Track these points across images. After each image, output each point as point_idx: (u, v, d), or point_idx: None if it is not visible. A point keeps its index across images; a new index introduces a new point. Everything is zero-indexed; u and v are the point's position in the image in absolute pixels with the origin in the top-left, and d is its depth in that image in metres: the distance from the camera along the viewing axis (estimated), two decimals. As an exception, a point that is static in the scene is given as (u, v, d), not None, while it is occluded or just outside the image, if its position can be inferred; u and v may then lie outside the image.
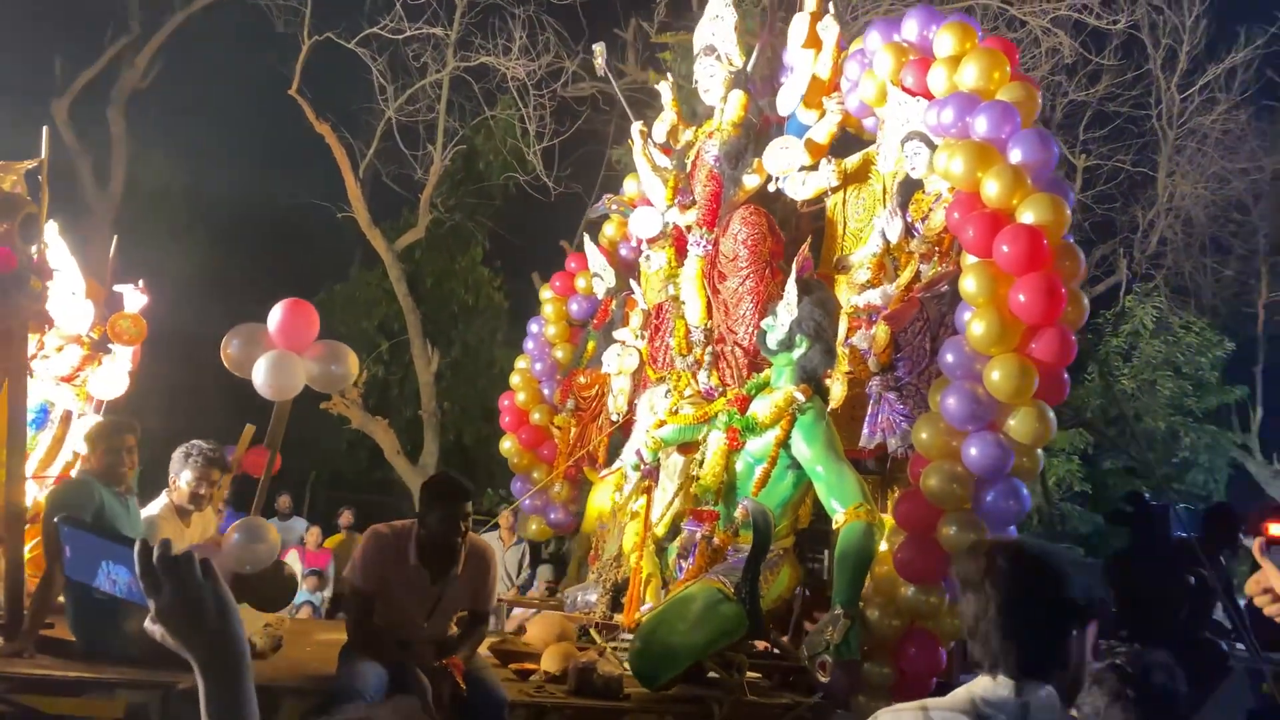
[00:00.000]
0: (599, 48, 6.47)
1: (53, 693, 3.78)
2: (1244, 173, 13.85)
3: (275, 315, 3.83)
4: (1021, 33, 12.25)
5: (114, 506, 4.29)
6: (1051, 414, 4.14)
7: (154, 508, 4.62)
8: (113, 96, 15.08)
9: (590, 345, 6.79)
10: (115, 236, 5.53)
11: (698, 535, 5.19)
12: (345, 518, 10.10)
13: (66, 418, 5.10)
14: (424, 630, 3.95)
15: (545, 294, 7.28)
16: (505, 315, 18.50)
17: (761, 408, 5.05)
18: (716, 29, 5.93)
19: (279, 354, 3.79)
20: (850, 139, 5.61)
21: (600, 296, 6.89)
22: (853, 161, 5.48)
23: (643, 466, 5.62)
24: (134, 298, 5.35)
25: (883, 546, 4.61)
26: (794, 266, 4.97)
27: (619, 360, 6.50)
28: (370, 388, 14.75)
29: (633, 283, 6.53)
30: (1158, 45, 13.78)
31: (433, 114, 14.71)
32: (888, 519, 4.73)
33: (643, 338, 6.45)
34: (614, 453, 6.54)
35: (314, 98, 13.86)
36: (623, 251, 6.96)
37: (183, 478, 4.60)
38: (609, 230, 7.10)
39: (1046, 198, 4.14)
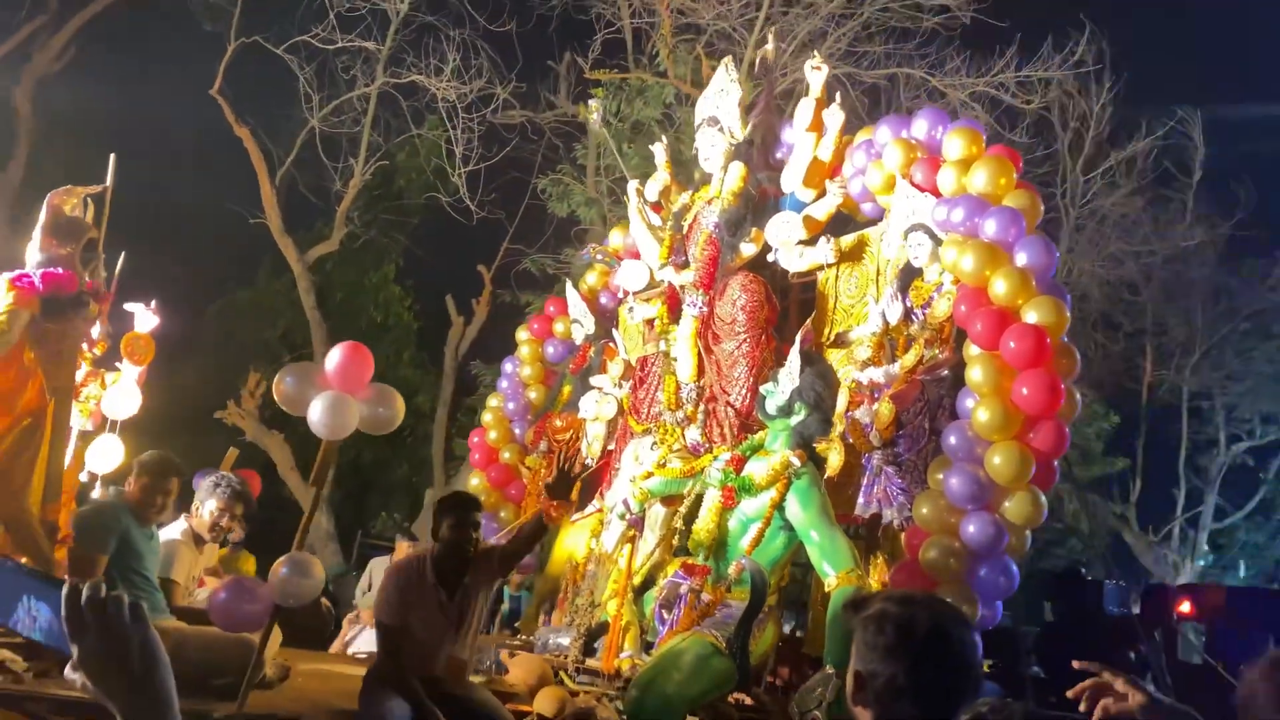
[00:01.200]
0: (595, 102, 6.70)
1: (90, 715, 3.80)
2: (1137, 255, 14.83)
3: (334, 357, 4.00)
4: (941, 104, 12.85)
5: (138, 536, 4.37)
6: (1044, 499, 4.54)
7: (173, 531, 4.68)
8: (21, 77, 14.58)
9: (566, 389, 7.02)
10: (124, 252, 5.52)
11: (684, 588, 5.43)
12: (235, 534, 9.92)
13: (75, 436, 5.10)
14: (453, 645, 4.14)
15: (522, 335, 7.50)
16: (414, 335, 18.42)
17: (757, 469, 5.33)
18: (721, 102, 6.26)
19: (336, 396, 3.95)
20: (842, 217, 5.99)
21: (579, 342, 7.12)
22: (848, 240, 5.85)
23: (629, 516, 5.85)
24: (145, 317, 5.38)
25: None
26: (798, 338, 5.29)
27: (597, 407, 6.74)
28: (268, 400, 14.53)
29: (614, 332, 6.78)
30: (1066, 128, 14.56)
31: (357, 127, 14.68)
32: (873, 583, 5.05)
33: (621, 386, 6.68)
34: (584, 497, 6.74)
35: (237, 101, 13.74)
36: (602, 300, 7.23)
37: (206, 506, 4.70)
38: (590, 278, 7.33)
39: (1050, 300, 4.56)
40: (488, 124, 13.81)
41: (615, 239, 7.28)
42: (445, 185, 14.31)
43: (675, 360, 6.10)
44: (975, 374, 4.62)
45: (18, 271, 4.29)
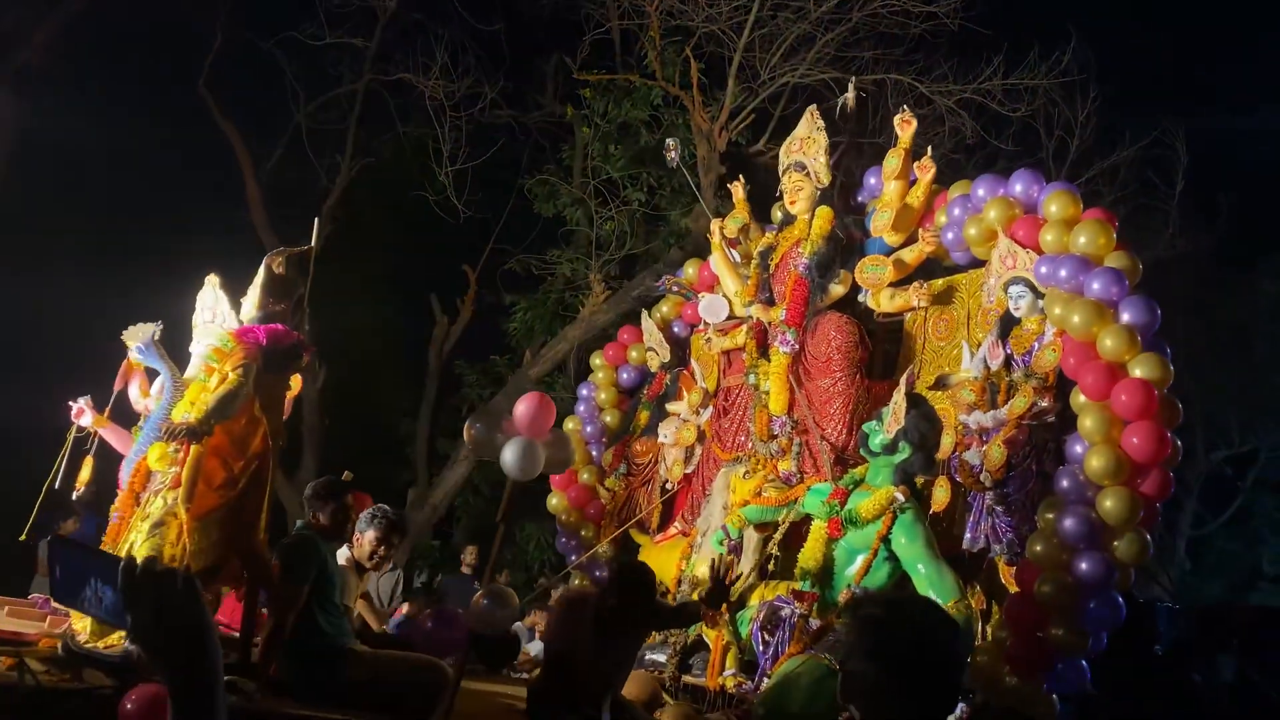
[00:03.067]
0: (673, 141, 7.08)
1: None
2: (1121, 264, 15.31)
3: (521, 406, 4.37)
4: (927, 110, 13.20)
5: (331, 565, 4.68)
6: (1149, 539, 5.01)
7: (340, 557, 4.98)
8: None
9: (644, 415, 7.38)
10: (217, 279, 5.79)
11: (785, 611, 5.82)
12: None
13: None
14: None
15: (596, 361, 7.87)
16: (401, 335, 18.46)
17: (862, 503, 5.74)
18: (807, 149, 6.66)
19: (526, 442, 4.33)
20: (928, 261, 6.41)
21: (654, 370, 7.47)
22: (938, 284, 6.27)
23: (729, 541, 6.23)
24: None
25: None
26: (902, 380, 5.72)
27: (676, 433, 7.09)
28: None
29: (693, 361, 7.13)
30: (1051, 136, 14.93)
31: (343, 124, 14.79)
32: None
33: (700, 414, 7.05)
34: (664, 519, 7.13)
35: (223, 98, 13.78)
36: (675, 329, 7.59)
37: (366, 536, 5.03)
38: (664, 308, 7.69)
39: (1156, 357, 5.05)
40: (475, 123, 13.95)
41: (689, 271, 7.64)
42: (432, 184, 14.42)
43: (766, 394, 6.46)
44: (1088, 423, 5.07)
45: (242, 327, 4.58)
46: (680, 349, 7.65)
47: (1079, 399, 5.27)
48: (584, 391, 7.96)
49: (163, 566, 1.35)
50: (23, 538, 5.49)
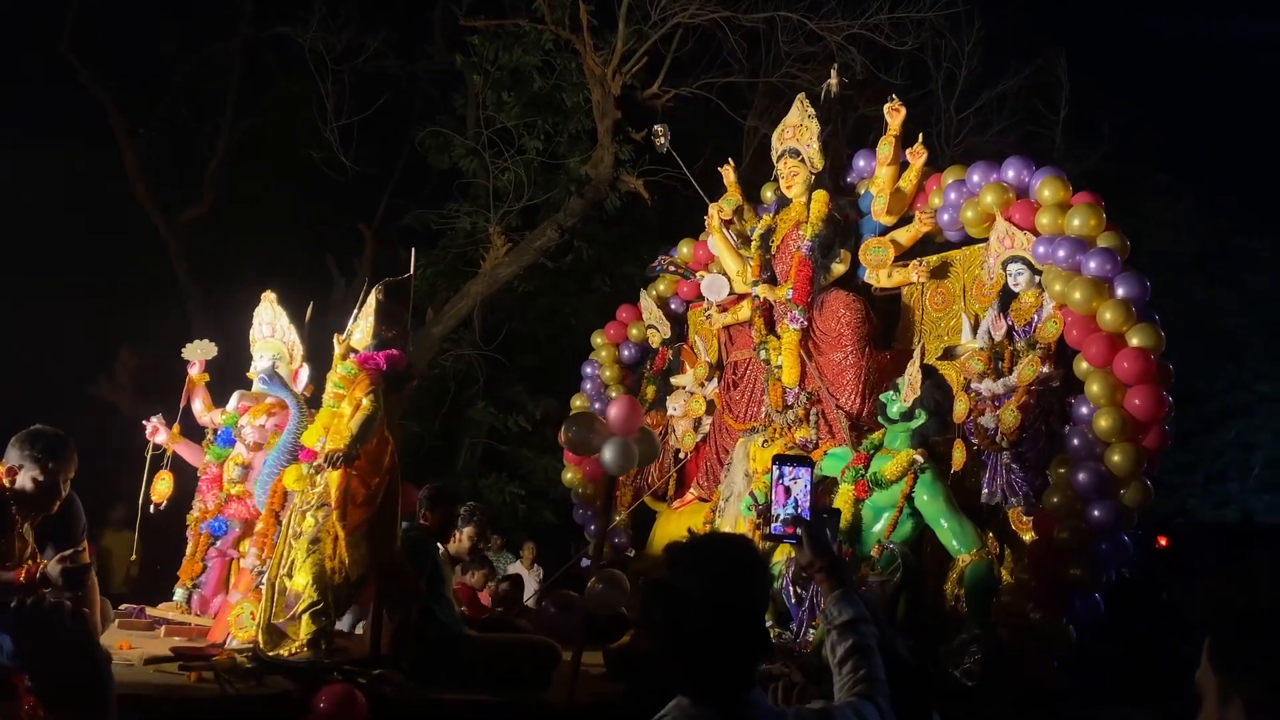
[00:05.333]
0: (661, 127, 7.51)
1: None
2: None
3: (614, 410, 4.91)
4: (817, 46, 13.60)
5: (440, 561, 5.20)
6: (1151, 486, 5.81)
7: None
8: None
9: (649, 389, 7.90)
10: (311, 303, 6.10)
11: (817, 567, 6.47)
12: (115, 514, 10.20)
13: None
14: None
15: (598, 340, 8.35)
16: (299, 297, 18.11)
17: (884, 466, 6.40)
18: (800, 135, 7.23)
19: (622, 441, 4.87)
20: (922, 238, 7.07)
21: (655, 346, 7.96)
22: (933, 260, 6.93)
23: (756, 506, 6.85)
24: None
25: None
26: (916, 354, 6.40)
27: (685, 405, 7.64)
28: (140, 373, 14.23)
29: (696, 337, 7.67)
30: (939, 69, 15.48)
31: (223, 83, 14.50)
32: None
33: (704, 386, 7.61)
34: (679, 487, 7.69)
35: (89, 61, 13.39)
36: (672, 306, 8.08)
37: (465, 532, 5.57)
38: (660, 286, 8.17)
39: (1150, 327, 5.86)
40: (359, 76, 13.84)
41: (683, 250, 8.12)
42: (319, 142, 14.24)
43: (778, 368, 7.04)
44: (1094, 388, 5.86)
45: (362, 354, 4.93)
46: (678, 325, 8.14)
47: (1082, 366, 6.02)
48: (588, 370, 8.47)
49: (50, 607, 1.47)
50: (133, 557, 5.75)
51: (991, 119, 15.49)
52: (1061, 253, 6.17)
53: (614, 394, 8.28)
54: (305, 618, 4.73)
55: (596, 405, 8.27)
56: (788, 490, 2.44)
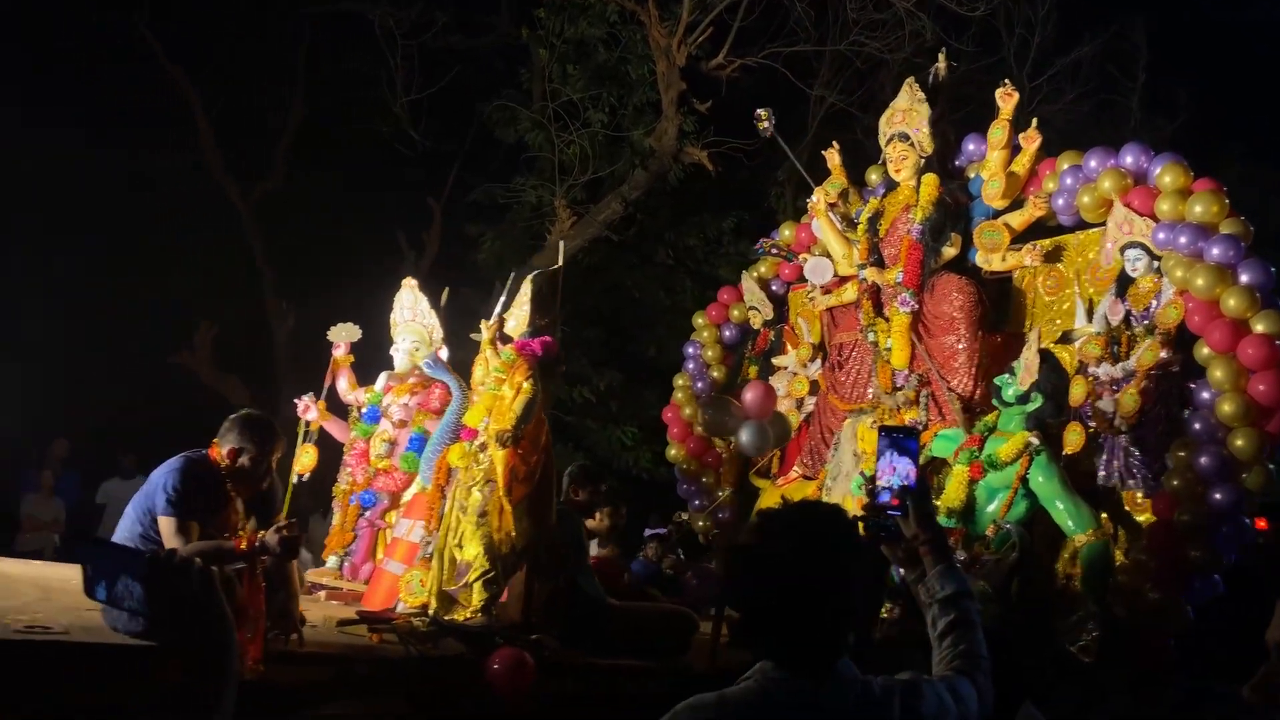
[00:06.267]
0: (764, 111, 7.65)
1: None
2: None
3: (749, 394, 5.15)
4: (887, 13, 13.58)
5: (584, 536, 5.51)
6: (1273, 470, 5.95)
7: None
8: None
9: (752, 369, 8.10)
10: (447, 288, 6.33)
11: (930, 546, 6.65)
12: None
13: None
14: None
15: (699, 321, 8.55)
16: (372, 274, 18.38)
17: (1000, 447, 6.55)
18: (909, 119, 7.38)
19: (757, 424, 5.10)
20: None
21: (756, 327, 8.15)
22: (1045, 243, 7.06)
23: (867, 485, 7.00)
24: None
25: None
26: (1033, 339, 6.55)
27: (788, 385, 7.83)
28: (218, 344, 14.61)
29: (799, 319, 7.83)
30: (1012, 35, 15.32)
31: (290, 60, 14.68)
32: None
33: (807, 367, 7.78)
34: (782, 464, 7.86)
35: (165, 38, 13.61)
36: (773, 287, 8.24)
37: (604, 510, 5.85)
38: (761, 268, 8.36)
39: (1274, 314, 6.05)
40: (426, 51, 14.00)
41: (785, 233, 8.30)
42: (387, 118, 14.44)
43: (887, 350, 7.20)
44: (1217, 374, 6.03)
45: (519, 340, 5.17)
46: (779, 306, 8.32)
47: (1203, 351, 6.19)
48: (690, 350, 8.69)
49: (180, 561, 1.52)
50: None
51: (1065, 87, 15.38)
52: (1183, 239, 6.30)
53: (715, 374, 8.48)
54: (477, 585, 5.09)
55: (698, 385, 8.45)
56: (894, 462, 2.46)
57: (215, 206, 14.52)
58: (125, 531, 4.36)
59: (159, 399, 14.05)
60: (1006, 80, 7.49)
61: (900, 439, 2.46)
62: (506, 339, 5.53)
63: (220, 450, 4.44)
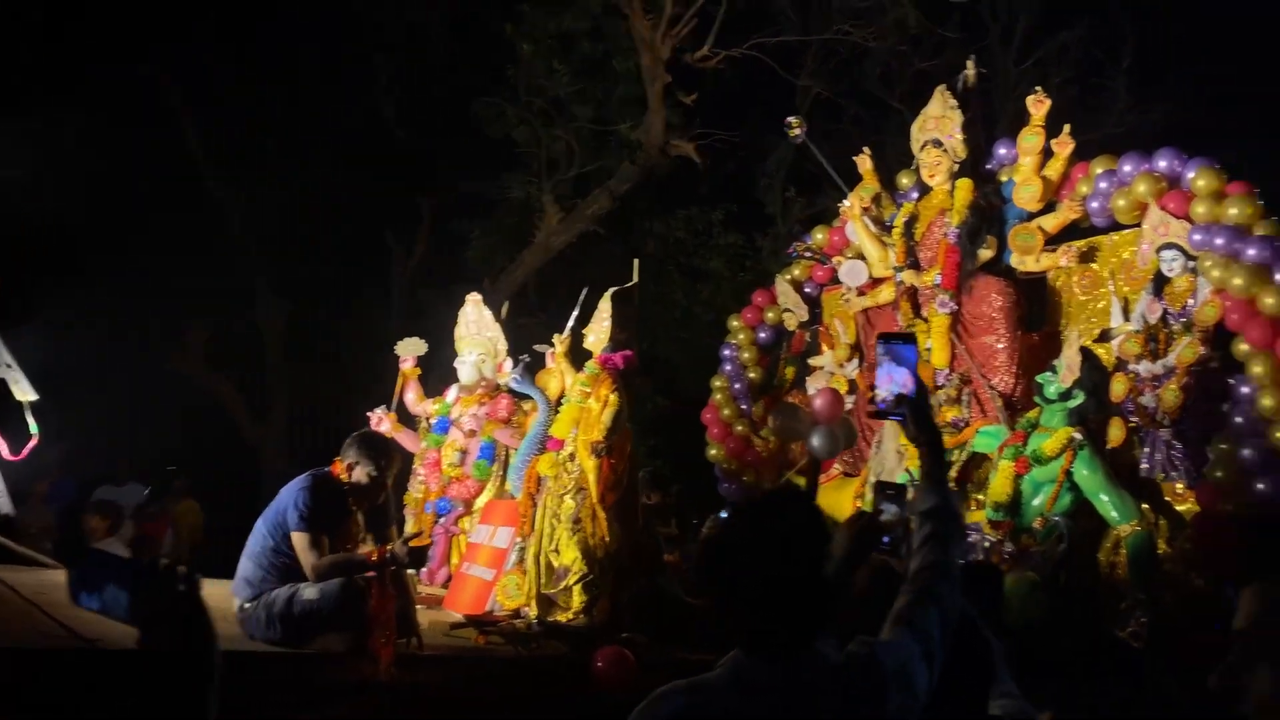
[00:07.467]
0: (796, 119, 7.89)
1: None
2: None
3: (819, 400, 5.40)
4: (870, 2, 13.79)
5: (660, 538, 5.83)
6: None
7: None
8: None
9: (789, 370, 8.37)
10: (506, 302, 6.52)
11: (975, 538, 6.96)
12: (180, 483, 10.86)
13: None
14: None
15: (734, 323, 8.85)
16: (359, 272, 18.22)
17: (1044, 443, 6.84)
18: (942, 126, 7.68)
19: (827, 429, 5.36)
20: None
21: (791, 329, 8.40)
22: (1080, 244, 7.36)
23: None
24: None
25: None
26: (1073, 337, 6.83)
27: (825, 385, 8.06)
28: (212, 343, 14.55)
29: (835, 320, 8.09)
30: (996, 19, 15.52)
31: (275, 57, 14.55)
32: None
33: (844, 367, 8.04)
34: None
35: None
36: (806, 289, 8.50)
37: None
38: (795, 271, 8.63)
39: None
40: (413, 47, 14.07)
41: (817, 236, 8.58)
42: (374, 115, 14.41)
43: (928, 350, 7.47)
44: (1256, 369, 6.39)
45: (603, 354, 5.37)
46: (813, 308, 8.57)
47: (1242, 348, 6.54)
48: (726, 352, 8.97)
49: (165, 569, 1.56)
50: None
51: (1051, 71, 15.43)
52: (1220, 240, 6.63)
53: (752, 375, 8.76)
54: (577, 588, 5.34)
55: (736, 386, 8.70)
56: (891, 371, 2.48)
57: (202, 206, 14.44)
58: (256, 546, 4.59)
59: (153, 402, 13.97)
60: (1038, 87, 7.80)
61: (898, 349, 2.48)
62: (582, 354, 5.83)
63: (341, 466, 4.70)
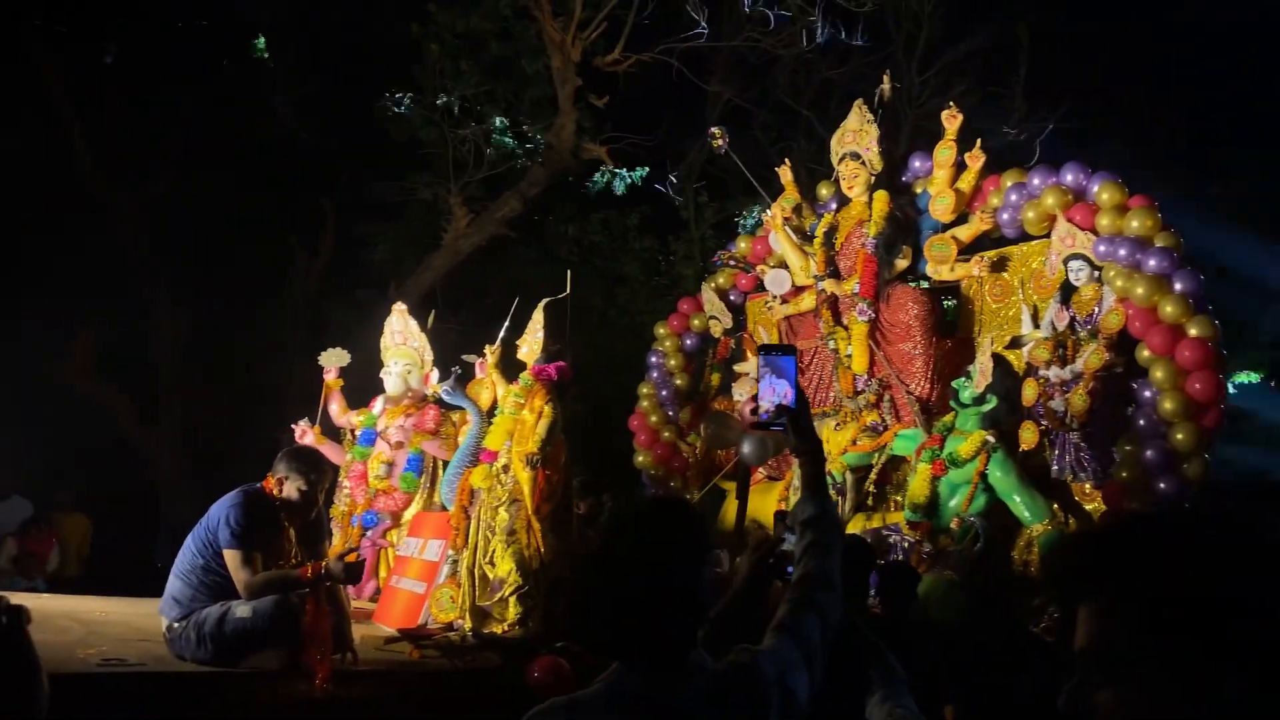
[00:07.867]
0: (719, 129, 8.08)
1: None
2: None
3: (747, 407, 5.54)
4: (779, 9, 13.98)
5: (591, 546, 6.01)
6: (1209, 460, 6.62)
7: None
8: None
9: (715, 377, 8.57)
10: (434, 310, 6.57)
11: (894, 539, 7.22)
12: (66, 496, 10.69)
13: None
14: None
15: (661, 330, 9.00)
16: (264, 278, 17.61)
17: (959, 446, 7.12)
18: (860, 139, 7.94)
19: (758, 436, 5.54)
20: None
21: (717, 335, 8.59)
22: (991, 255, 7.66)
23: (835, 485, 7.54)
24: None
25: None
26: (986, 344, 7.13)
27: (750, 390, 8.25)
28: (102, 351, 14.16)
29: (759, 327, 8.30)
30: (899, 30, 15.81)
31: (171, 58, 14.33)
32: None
33: (769, 373, 8.24)
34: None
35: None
36: (731, 297, 8.69)
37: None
38: (719, 279, 8.84)
39: (1206, 319, 6.74)
40: (315, 46, 13.93)
41: (741, 245, 8.78)
42: (274, 116, 14.16)
43: (848, 357, 7.72)
44: (1158, 374, 6.73)
45: (536, 366, 5.45)
46: (738, 315, 8.76)
47: (1144, 354, 6.89)
48: (653, 359, 9.12)
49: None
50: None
51: (954, 81, 15.60)
52: (1122, 251, 6.96)
53: (678, 381, 8.95)
54: (512, 600, 5.42)
55: (663, 393, 8.86)
56: (773, 383, 2.50)
57: (90, 209, 13.97)
58: (185, 565, 4.59)
59: (31, 413, 13.40)
60: (951, 103, 8.09)
61: (778, 361, 2.51)
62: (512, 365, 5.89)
63: (272, 481, 4.79)
